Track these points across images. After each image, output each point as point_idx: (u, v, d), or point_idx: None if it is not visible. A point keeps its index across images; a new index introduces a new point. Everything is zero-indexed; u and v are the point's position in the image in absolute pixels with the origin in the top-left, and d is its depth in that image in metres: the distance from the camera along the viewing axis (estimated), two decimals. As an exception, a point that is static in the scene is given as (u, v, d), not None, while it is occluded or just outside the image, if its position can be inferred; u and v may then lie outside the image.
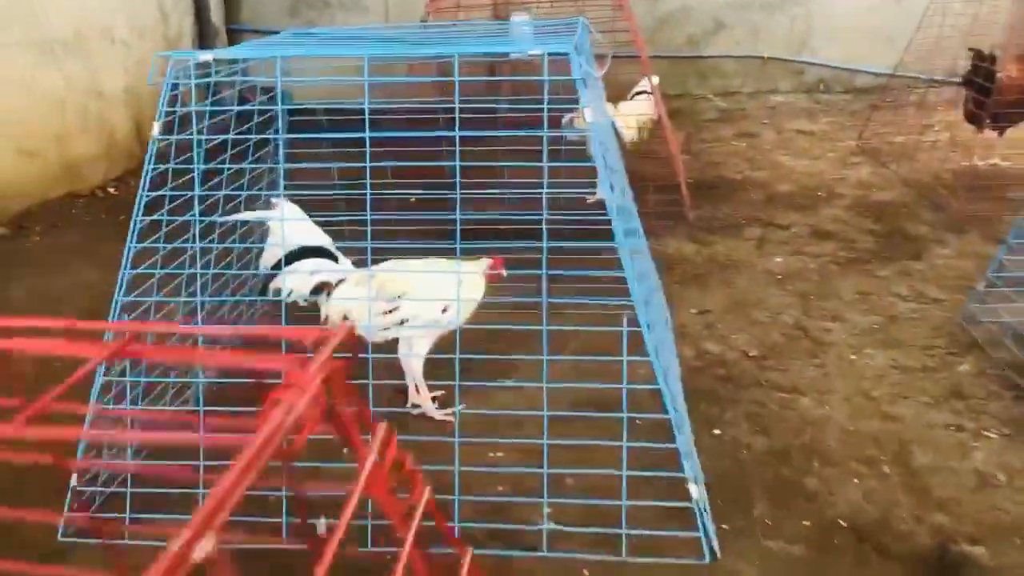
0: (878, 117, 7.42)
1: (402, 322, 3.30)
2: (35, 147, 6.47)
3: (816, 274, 4.91)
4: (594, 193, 6.15)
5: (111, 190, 6.97)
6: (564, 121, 6.03)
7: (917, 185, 6.31)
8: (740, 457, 3.24)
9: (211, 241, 3.44)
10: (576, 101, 2.72)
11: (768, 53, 9.25)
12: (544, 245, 2.70)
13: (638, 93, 6.27)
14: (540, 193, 2.82)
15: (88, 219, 6.31)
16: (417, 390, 3.58)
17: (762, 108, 8.89)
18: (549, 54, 2.57)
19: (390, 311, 3.29)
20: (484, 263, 3.47)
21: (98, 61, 7.02)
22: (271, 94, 4.59)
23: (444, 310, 3.30)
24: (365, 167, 2.83)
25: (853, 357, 3.95)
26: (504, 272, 3.50)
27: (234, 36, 9.16)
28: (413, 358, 3.44)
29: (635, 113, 6.10)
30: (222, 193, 3.37)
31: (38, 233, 5.96)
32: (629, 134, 5.91)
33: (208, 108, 3.10)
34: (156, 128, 2.79)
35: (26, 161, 6.40)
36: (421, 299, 3.27)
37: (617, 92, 6.25)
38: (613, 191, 2.81)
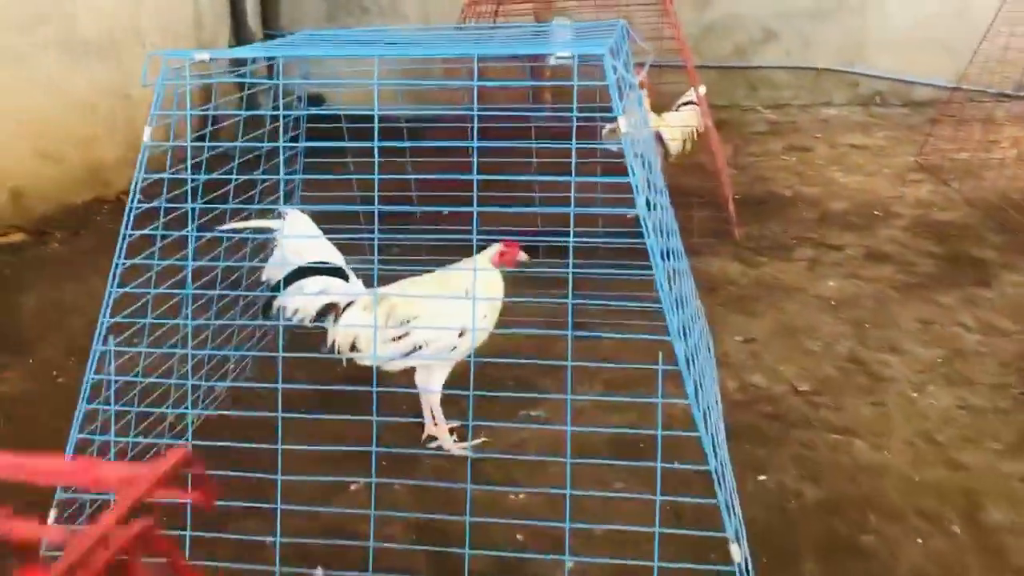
0: (939, 132, 7.00)
1: (414, 349, 3.01)
2: (59, 150, 6.32)
3: (872, 300, 4.54)
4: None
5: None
6: (603, 133, 5.72)
7: (983, 205, 5.90)
8: (787, 508, 2.89)
9: (215, 258, 3.20)
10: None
11: (821, 64, 8.85)
12: (570, 272, 2.39)
13: (684, 103, 5.94)
14: (570, 211, 2.52)
15: (111, 226, 6.11)
16: (434, 421, 3.29)
17: (814, 121, 8.50)
18: (580, 57, 2.27)
19: (400, 337, 3.01)
20: (491, 251, 3.15)
21: (128, 64, 6.87)
22: (296, 98, 4.36)
23: (461, 334, 3.01)
24: (379, 178, 2.55)
25: (914, 395, 3.58)
26: (522, 255, 3.19)
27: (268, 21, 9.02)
28: (431, 387, 3.15)
29: (680, 124, 5.78)
30: (229, 206, 3.12)
31: (58, 239, 5.79)
32: (675, 146, 5.58)
33: (210, 112, 2.85)
34: (147, 133, 2.55)
35: (49, 164, 6.25)
36: (434, 325, 2.98)
37: (662, 102, 5.94)
38: (651, 209, 2.50)
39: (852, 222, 5.73)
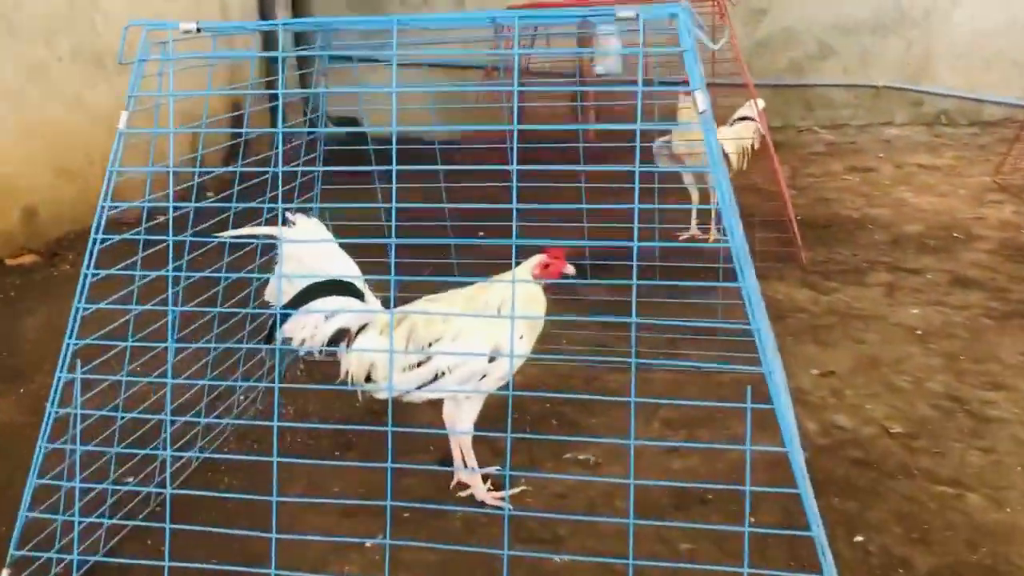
0: (1017, 151, 6.44)
1: (436, 377, 2.54)
2: (79, 167, 6.00)
3: (964, 330, 4.00)
4: (687, 228, 5.38)
5: (159, 216, 6.45)
6: (656, 147, 5.27)
7: (1077, 227, 5.34)
8: (896, 580, 2.37)
9: (216, 271, 2.78)
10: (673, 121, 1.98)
11: (882, 81, 8.34)
12: (634, 283, 1.93)
13: (739, 119, 5.47)
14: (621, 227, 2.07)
15: (127, 248, 5.77)
16: (464, 463, 2.82)
17: (875, 141, 7.97)
18: (647, 17, 1.82)
19: (420, 364, 2.54)
20: (532, 261, 2.68)
21: (153, 76, 6.54)
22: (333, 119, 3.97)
23: (492, 359, 2.53)
24: (401, 204, 2.11)
25: (1032, 440, 3.04)
26: (569, 267, 2.70)
27: (301, 40, 8.70)
28: (459, 425, 2.68)
29: (734, 138, 5.30)
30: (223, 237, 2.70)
31: (70, 261, 5.43)
32: (734, 159, 5.10)
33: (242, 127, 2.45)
34: (123, 118, 2.14)
35: (67, 182, 5.92)
36: (459, 349, 2.51)
37: (716, 119, 5.47)
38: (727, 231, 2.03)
39: (929, 245, 5.19)
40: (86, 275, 2.23)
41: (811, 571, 1.95)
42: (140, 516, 2.68)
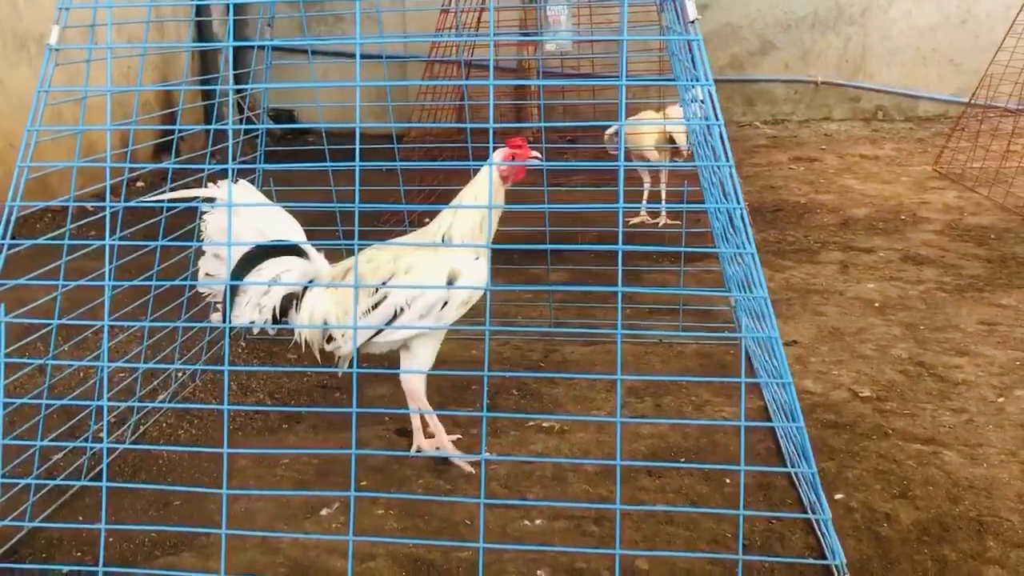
0: (953, 143, 6.53)
1: (396, 315, 2.37)
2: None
3: (922, 302, 3.97)
4: (637, 212, 5.30)
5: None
6: (607, 135, 5.18)
7: (1020, 209, 5.39)
8: (882, 534, 2.27)
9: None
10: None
11: (821, 77, 8.42)
12: (619, 250, 1.80)
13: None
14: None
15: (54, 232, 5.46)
16: (425, 429, 2.65)
17: (816, 135, 8.04)
18: None
19: (376, 306, 2.37)
20: (497, 155, 2.49)
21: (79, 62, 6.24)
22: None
23: (450, 282, 2.37)
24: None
25: (1000, 400, 2.99)
26: (534, 154, 2.51)
27: (240, 52, 8.42)
28: (413, 373, 2.50)
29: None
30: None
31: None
32: (682, 139, 5.03)
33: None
34: (54, 33, 1.94)
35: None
36: (412, 282, 2.35)
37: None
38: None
39: (879, 227, 5.19)
40: (2, 245, 2.01)
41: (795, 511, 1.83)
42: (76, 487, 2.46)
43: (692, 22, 1.99)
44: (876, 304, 3.95)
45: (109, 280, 2.15)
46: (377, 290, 2.37)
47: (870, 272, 4.40)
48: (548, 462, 2.57)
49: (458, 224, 2.50)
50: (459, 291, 2.36)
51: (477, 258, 2.43)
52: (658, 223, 5.24)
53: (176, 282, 2.72)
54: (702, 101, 2.50)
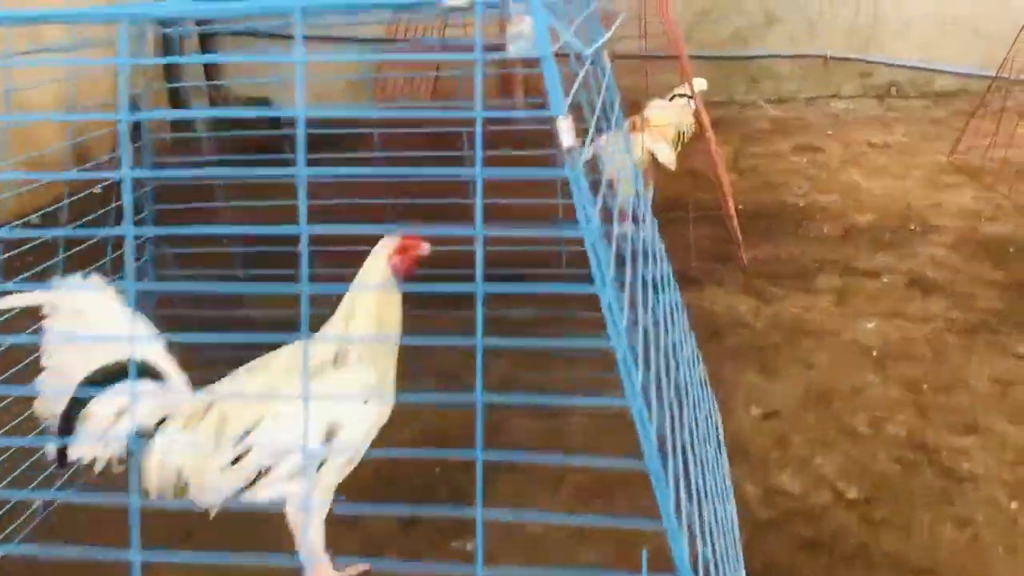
0: (972, 127, 5.93)
1: (259, 474, 1.93)
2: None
3: (927, 348, 3.48)
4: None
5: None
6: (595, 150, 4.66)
7: (1043, 216, 4.86)
8: None
9: None
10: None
11: (830, 51, 7.80)
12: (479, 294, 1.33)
13: (678, 96, 4.87)
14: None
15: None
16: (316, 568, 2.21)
17: (823, 116, 7.44)
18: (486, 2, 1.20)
19: (239, 459, 1.93)
20: (384, 250, 2.08)
21: None
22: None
23: (330, 436, 1.93)
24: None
25: (1014, 506, 2.52)
26: (425, 247, 2.10)
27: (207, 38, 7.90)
28: (307, 516, 2.06)
29: (670, 122, 4.70)
30: None
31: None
32: (665, 153, 4.50)
33: None
34: None
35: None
36: (282, 431, 1.91)
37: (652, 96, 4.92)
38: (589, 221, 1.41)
39: (884, 239, 4.67)
40: None
41: None
42: None
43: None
44: (874, 353, 3.46)
45: None
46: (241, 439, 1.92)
47: (871, 304, 3.90)
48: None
49: (355, 331, 2.05)
50: (342, 445, 1.92)
51: (366, 402, 1.98)
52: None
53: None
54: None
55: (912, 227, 4.82)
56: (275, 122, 7.93)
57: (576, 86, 1.46)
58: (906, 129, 6.92)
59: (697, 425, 2.14)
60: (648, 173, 4.69)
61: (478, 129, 1.24)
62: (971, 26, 7.52)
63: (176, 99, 7.54)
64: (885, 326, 3.69)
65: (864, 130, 6.93)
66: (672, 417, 1.70)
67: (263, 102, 8.03)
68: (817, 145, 6.55)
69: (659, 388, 1.62)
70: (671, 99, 4.89)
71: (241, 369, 2.07)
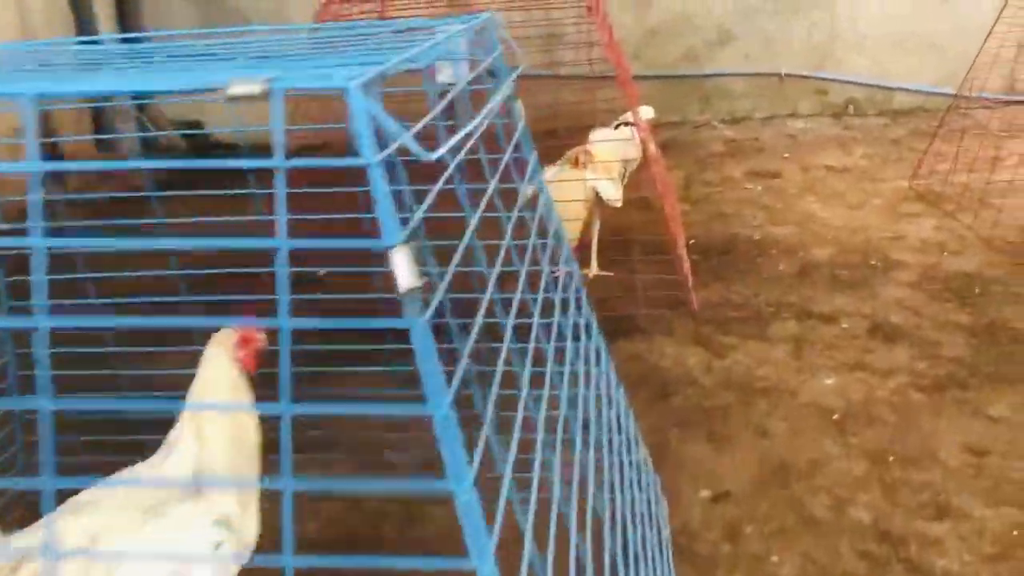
0: (932, 148, 5.68)
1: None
2: None
3: (891, 411, 3.17)
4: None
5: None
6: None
7: (1007, 248, 4.58)
8: None
9: None
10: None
11: (785, 69, 7.55)
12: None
13: (624, 124, 4.55)
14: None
15: None
16: None
17: (779, 137, 7.18)
18: (276, 88, 0.86)
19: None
20: (221, 344, 1.77)
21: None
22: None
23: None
24: None
25: (994, 615, 2.21)
26: (262, 335, 1.79)
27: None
28: None
29: (615, 156, 4.39)
30: None
31: None
32: (610, 191, 4.17)
33: None
34: None
35: None
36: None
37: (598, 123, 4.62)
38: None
39: (842, 277, 4.38)
40: None
41: None
42: None
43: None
44: (835, 416, 3.15)
45: None
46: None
47: (830, 356, 3.60)
48: None
49: (209, 451, 1.69)
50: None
51: (228, 533, 1.62)
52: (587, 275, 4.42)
53: None
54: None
55: (872, 262, 4.53)
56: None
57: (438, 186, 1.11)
58: (864, 151, 6.66)
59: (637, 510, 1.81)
60: (593, 210, 4.38)
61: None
62: (928, 42, 7.31)
63: (99, 121, 7.12)
64: (846, 381, 3.38)
65: (821, 152, 6.66)
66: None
67: (197, 124, 7.62)
68: (773, 170, 6.27)
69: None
70: (616, 127, 4.58)
71: (63, 507, 1.69)
